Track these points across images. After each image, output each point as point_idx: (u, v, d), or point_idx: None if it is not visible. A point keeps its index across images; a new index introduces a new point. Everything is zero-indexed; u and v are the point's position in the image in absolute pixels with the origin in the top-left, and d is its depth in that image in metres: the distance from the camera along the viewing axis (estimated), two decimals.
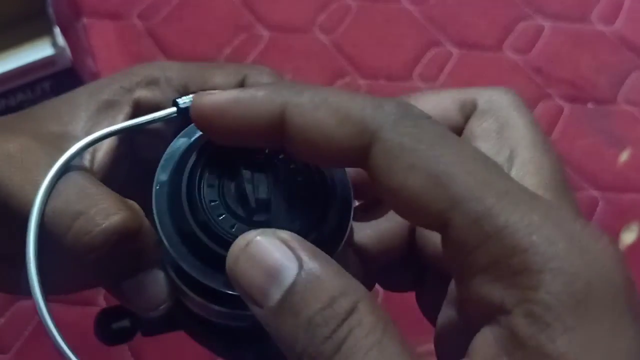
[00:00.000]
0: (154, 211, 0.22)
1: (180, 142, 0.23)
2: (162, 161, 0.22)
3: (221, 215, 0.21)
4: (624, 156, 0.57)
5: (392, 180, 0.17)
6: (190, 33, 0.65)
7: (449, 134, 0.18)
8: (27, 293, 0.22)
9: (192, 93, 0.23)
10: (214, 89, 0.23)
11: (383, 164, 0.17)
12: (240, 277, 0.18)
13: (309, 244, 0.18)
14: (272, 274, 0.17)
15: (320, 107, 0.18)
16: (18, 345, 0.50)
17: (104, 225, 0.21)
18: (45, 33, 0.54)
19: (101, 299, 0.51)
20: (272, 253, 0.17)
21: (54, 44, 0.49)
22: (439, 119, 0.18)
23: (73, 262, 0.21)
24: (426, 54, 0.63)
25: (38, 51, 0.49)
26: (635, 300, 0.16)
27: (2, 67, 0.49)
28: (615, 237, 0.54)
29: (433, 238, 0.21)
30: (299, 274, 0.16)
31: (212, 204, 0.21)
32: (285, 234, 0.18)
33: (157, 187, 0.22)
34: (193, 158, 0.22)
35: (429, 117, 0.18)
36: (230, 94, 0.20)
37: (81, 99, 0.25)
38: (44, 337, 0.55)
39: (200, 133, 0.22)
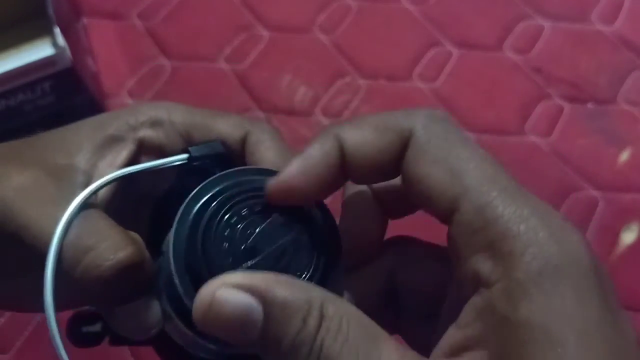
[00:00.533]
0: (171, 249, 0.23)
1: (201, 191, 0.24)
2: (184, 205, 0.23)
3: (225, 258, 0.22)
4: (624, 156, 0.58)
5: (420, 170, 0.21)
6: (190, 33, 0.65)
7: (466, 137, 0.22)
8: (30, 310, 0.25)
9: (198, 140, 0.26)
10: (217, 137, 0.27)
11: (414, 158, 0.21)
12: (217, 331, 0.19)
13: (259, 275, 0.19)
14: (243, 320, 0.18)
15: (363, 126, 0.22)
16: (18, 345, 0.50)
17: (113, 261, 0.22)
18: (45, 33, 0.54)
19: None
20: (234, 302, 0.18)
21: (54, 44, 0.49)
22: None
23: (75, 288, 0.23)
24: (426, 54, 0.63)
25: (38, 51, 0.49)
26: (603, 281, 0.18)
27: (2, 67, 0.49)
28: (615, 236, 0.54)
29: (415, 278, 0.25)
30: (265, 310, 0.18)
31: (221, 248, 0.23)
32: (236, 277, 0.19)
33: (176, 227, 0.23)
34: (212, 205, 0.23)
35: (451, 121, 0.22)
36: (294, 168, 0.22)
37: (87, 132, 0.26)
38: (44, 337, 0.55)
39: (223, 185, 0.23)
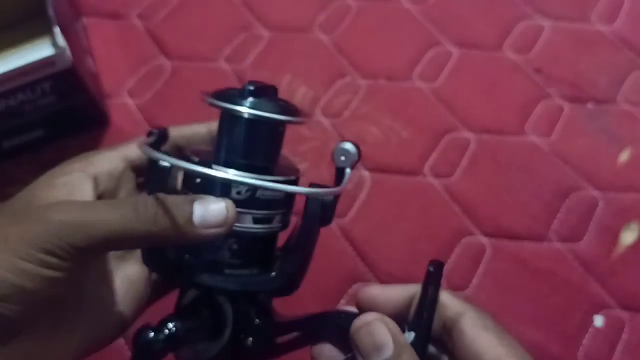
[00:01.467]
0: None
1: None
2: None
3: None
4: (624, 156, 0.58)
5: (474, 332, 0.30)
6: (190, 33, 0.65)
7: (499, 327, 0.30)
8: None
9: None
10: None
11: (471, 325, 0.30)
12: (358, 342, 0.29)
13: (400, 333, 0.29)
14: (378, 346, 0.28)
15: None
16: None
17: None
18: (45, 33, 0.54)
19: None
20: (383, 333, 0.29)
21: (54, 44, 0.49)
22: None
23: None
24: (426, 53, 0.63)
25: (38, 51, 0.49)
26: None
27: (2, 67, 0.49)
28: (615, 236, 0.54)
29: None
30: (393, 352, 0.28)
31: None
32: (390, 322, 0.29)
33: None
34: None
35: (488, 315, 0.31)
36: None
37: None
38: None
39: None
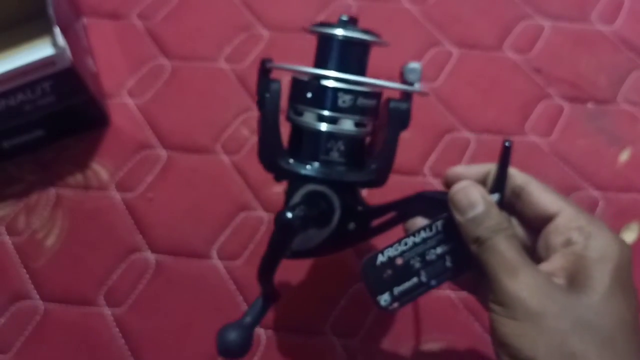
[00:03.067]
0: None
1: None
2: None
3: None
4: (624, 156, 0.58)
5: (538, 192, 0.37)
6: (190, 33, 0.65)
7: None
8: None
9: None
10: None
11: (536, 187, 0.38)
12: (456, 201, 0.36)
13: (488, 194, 0.36)
14: (473, 203, 0.36)
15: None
16: (18, 345, 0.50)
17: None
18: (45, 33, 0.54)
19: (101, 299, 0.52)
20: (475, 194, 0.36)
21: (55, 44, 0.49)
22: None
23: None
24: (426, 53, 0.63)
25: (38, 51, 0.49)
26: (628, 269, 0.34)
27: (2, 67, 0.49)
28: None
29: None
30: (484, 208, 0.35)
31: None
32: (480, 187, 0.37)
33: None
34: None
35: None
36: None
37: None
38: (44, 337, 0.55)
39: None
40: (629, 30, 0.65)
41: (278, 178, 0.39)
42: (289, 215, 0.35)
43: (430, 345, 0.49)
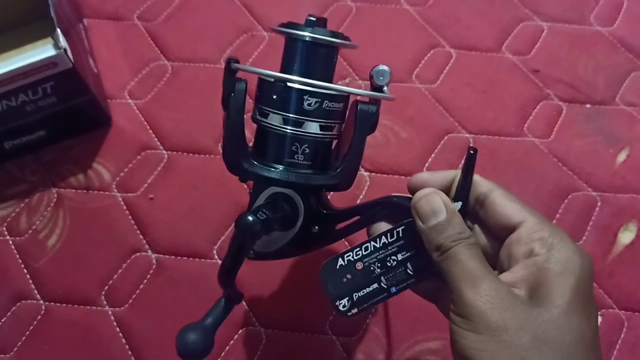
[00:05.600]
0: None
1: None
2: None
3: None
4: (622, 156, 0.58)
5: (502, 201, 0.37)
6: (190, 34, 0.65)
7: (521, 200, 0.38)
8: None
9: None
10: None
11: (499, 196, 0.37)
12: (419, 209, 0.36)
13: (450, 202, 0.36)
14: (435, 211, 0.35)
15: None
16: (19, 345, 0.50)
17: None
18: (47, 34, 0.54)
19: (102, 299, 0.52)
20: (438, 202, 0.35)
21: (56, 45, 0.49)
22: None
23: None
24: (425, 55, 0.64)
25: (40, 52, 0.49)
26: (588, 281, 0.34)
27: (4, 68, 0.49)
28: (613, 236, 0.54)
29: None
30: (446, 216, 0.35)
31: None
32: (443, 195, 0.36)
33: None
34: None
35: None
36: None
37: None
38: (44, 337, 0.55)
39: None
40: (627, 32, 0.65)
41: (243, 179, 0.39)
42: (250, 218, 0.35)
43: (429, 344, 0.50)
